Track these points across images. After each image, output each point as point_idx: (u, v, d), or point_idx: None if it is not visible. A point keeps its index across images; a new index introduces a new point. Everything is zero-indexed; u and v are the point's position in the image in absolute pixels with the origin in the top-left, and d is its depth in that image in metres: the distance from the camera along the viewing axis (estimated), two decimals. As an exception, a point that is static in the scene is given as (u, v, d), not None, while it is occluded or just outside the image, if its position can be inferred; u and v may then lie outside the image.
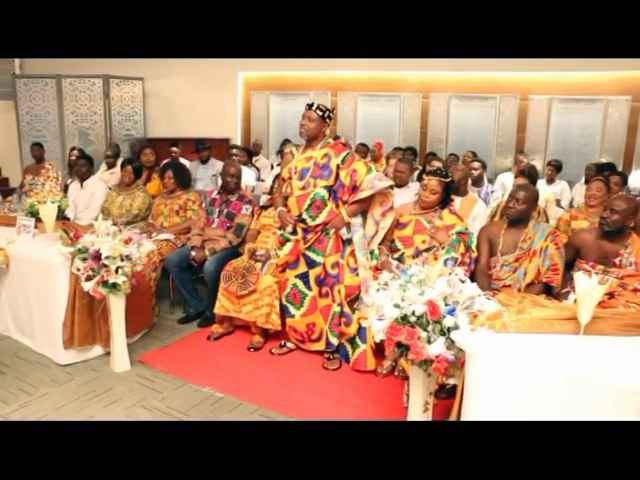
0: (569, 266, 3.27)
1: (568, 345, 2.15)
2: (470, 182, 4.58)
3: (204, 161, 6.19)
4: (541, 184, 5.64)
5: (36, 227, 3.96)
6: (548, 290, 3.20)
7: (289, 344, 3.69)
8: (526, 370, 2.03)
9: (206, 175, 6.12)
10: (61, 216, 4.11)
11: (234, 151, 6.20)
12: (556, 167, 6.23)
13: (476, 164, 5.05)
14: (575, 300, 2.27)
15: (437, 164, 4.96)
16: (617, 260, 3.12)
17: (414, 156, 7.06)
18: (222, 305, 3.78)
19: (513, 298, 2.69)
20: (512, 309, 2.37)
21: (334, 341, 3.46)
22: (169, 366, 3.46)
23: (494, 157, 7.83)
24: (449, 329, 2.19)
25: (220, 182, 4.59)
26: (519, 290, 3.17)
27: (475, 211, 4.00)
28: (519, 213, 3.27)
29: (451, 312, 2.21)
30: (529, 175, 4.49)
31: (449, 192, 3.51)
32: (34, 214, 3.99)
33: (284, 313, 3.61)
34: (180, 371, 3.39)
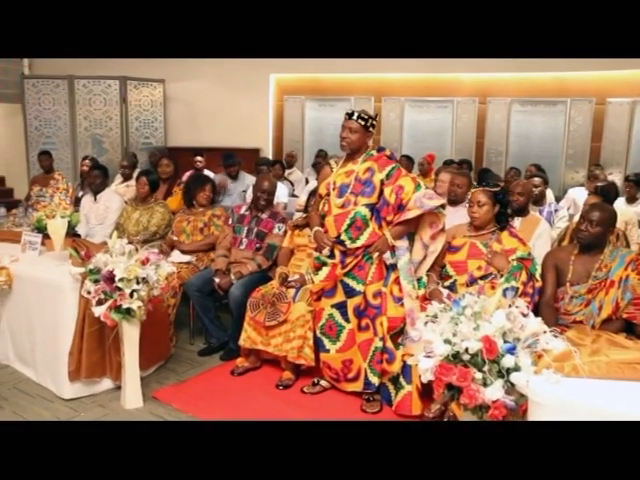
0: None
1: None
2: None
3: (233, 176, 6.28)
4: (621, 203, 5.54)
5: (43, 244, 4.07)
6: (629, 328, 3.12)
7: (323, 382, 3.69)
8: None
9: (235, 190, 6.21)
10: (71, 232, 4.21)
11: (263, 168, 6.27)
12: (636, 183, 6.07)
13: (536, 180, 4.96)
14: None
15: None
16: None
17: (470, 170, 7.04)
18: (248, 336, 3.80)
19: (586, 336, 2.65)
20: (585, 349, 2.34)
21: (374, 380, 3.44)
22: (186, 404, 3.48)
23: (563, 171, 7.74)
24: (508, 370, 2.17)
25: (248, 197, 4.64)
26: (593, 327, 3.11)
27: (538, 231, 3.95)
28: (593, 237, 3.22)
29: (511, 350, 2.19)
30: (605, 193, 4.41)
31: (503, 205, 3.47)
32: (41, 229, 4.11)
33: (318, 347, 3.62)
34: (199, 410, 3.41)
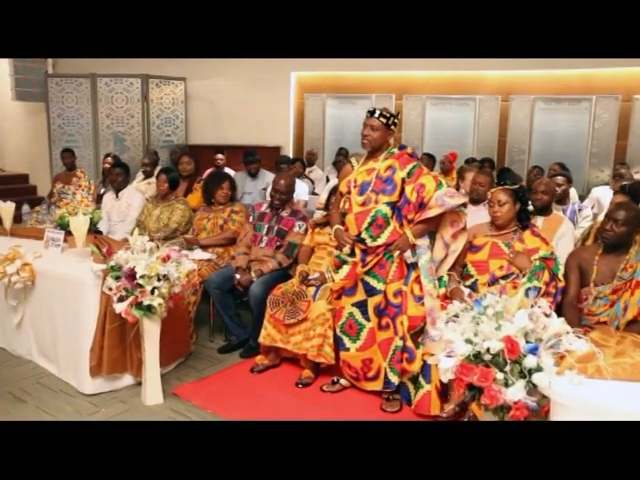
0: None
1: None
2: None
3: (253, 174, 6.30)
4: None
5: (65, 241, 4.13)
6: (656, 330, 3.09)
7: (343, 381, 3.69)
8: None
9: (255, 189, 6.23)
10: (93, 229, 4.28)
11: (283, 166, 6.28)
12: None
13: (559, 179, 4.92)
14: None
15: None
16: None
17: (492, 169, 6.98)
18: (268, 334, 3.82)
19: (610, 337, 2.61)
20: (609, 351, 2.31)
21: (394, 380, 3.43)
22: (206, 401, 3.51)
23: (587, 170, 7.63)
24: (530, 371, 2.16)
25: (269, 195, 4.66)
26: (617, 328, 3.07)
27: (561, 230, 3.91)
28: (618, 236, 3.18)
29: (533, 351, 2.17)
30: (633, 192, 4.35)
31: (524, 203, 3.45)
32: (64, 226, 4.17)
33: (338, 345, 3.62)
34: (218, 407, 3.44)
